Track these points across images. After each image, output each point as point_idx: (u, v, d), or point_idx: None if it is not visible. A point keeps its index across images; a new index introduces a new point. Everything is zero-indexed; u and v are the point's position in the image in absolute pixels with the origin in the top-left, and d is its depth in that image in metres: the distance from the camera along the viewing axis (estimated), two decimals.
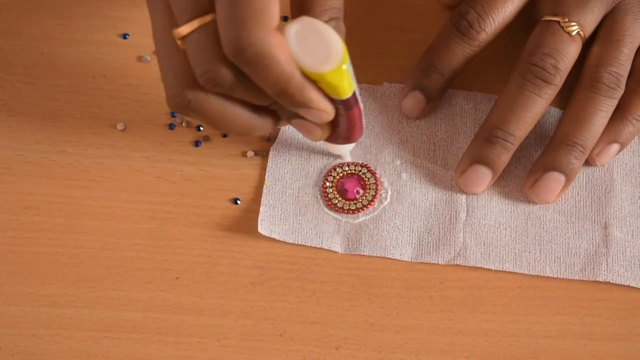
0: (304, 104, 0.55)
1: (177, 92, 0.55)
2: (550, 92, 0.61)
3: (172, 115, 0.66)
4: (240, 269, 0.62)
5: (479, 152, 0.62)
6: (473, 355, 0.60)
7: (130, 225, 0.63)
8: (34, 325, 0.60)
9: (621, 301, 0.61)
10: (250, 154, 0.65)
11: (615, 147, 0.63)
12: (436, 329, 0.60)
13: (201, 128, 0.66)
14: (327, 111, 0.57)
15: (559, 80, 0.61)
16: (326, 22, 0.55)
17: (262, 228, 0.62)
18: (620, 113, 0.62)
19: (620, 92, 0.61)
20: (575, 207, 0.63)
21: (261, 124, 0.58)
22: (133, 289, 0.61)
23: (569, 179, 0.62)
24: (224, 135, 0.65)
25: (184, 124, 0.66)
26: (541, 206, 0.63)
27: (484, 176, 0.62)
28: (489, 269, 0.62)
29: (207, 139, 0.65)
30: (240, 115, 0.57)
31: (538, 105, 0.61)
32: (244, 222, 0.63)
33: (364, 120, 0.59)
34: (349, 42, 0.68)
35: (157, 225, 0.63)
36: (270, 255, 0.62)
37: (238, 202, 0.63)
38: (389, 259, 0.62)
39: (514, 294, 0.61)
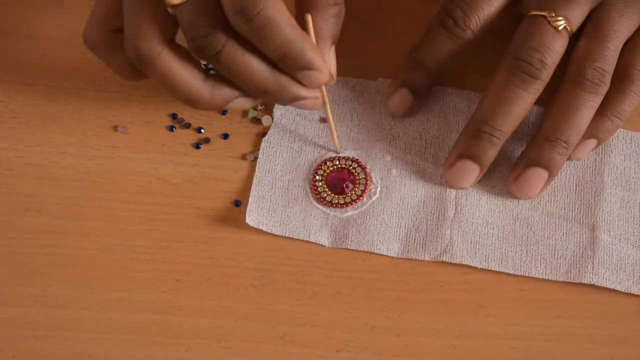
0: (305, 65, 0.57)
1: (133, 44, 0.57)
2: (537, 87, 0.61)
3: (173, 117, 0.66)
4: (242, 271, 0.62)
5: (466, 147, 0.62)
6: (474, 358, 0.60)
7: (131, 226, 0.63)
8: (34, 327, 0.60)
9: (623, 304, 0.61)
10: (250, 156, 0.65)
11: (592, 142, 0.63)
12: (437, 332, 0.60)
13: (202, 130, 0.66)
14: (324, 71, 0.58)
15: (546, 75, 0.61)
16: (332, 6, 0.59)
17: (250, 219, 0.62)
18: (601, 109, 0.62)
19: (605, 88, 0.61)
20: (564, 209, 0.63)
21: (209, 97, 0.59)
22: (134, 291, 0.61)
23: (551, 175, 0.62)
24: (224, 137, 0.65)
25: (185, 125, 0.66)
26: (530, 207, 0.63)
27: (471, 171, 0.62)
28: (489, 272, 0.62)
29: (207, 140, 0.65)
30: (187, 81, 0.59)
31: (525, 100, 0.61)
32: (245, 224, 0.63)
33: None
34: (348, 45, 0.68)
35: (158, 227, 0.63)
36: (271, 257, 0.62)
37: (239, 204, 0.63)
38: (390, 261, 0.62)
39: (516, 297, 0.61)
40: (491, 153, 0.62)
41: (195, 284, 0.61)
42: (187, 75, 0.58)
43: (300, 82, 0.59)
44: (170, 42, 0.58)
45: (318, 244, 0.62)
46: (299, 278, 0.62)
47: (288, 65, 0.57)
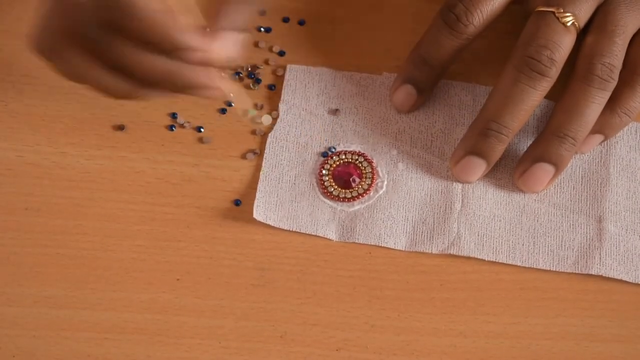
0: (178, 45, 0.56)
1: (36, 33, 0.58)
2: (545, 85, 0.61)
3: (173, 116, 0.66)
4: (241, 271, 0.62)
5: (473, 144, 0.62)
6: (474, 357, 0.60)
7: (131, 226, 0.63)
8: (34, 327, 0.60)
9: (622, 302, 0.61)
10: (250, 155, 0.65)
11: (599, 137, 0.63)
12: (437, 331, 0.60)
13: (202, 129, 0.66)
14: (202, 48, 0.57)
15: (555, 72, 0.61)
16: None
17: (258, 214, 0.62)
18: (610, 105, 0.62)
19: (613, 83, 0.61)
20: (571, 200, 0.63)
21: (114, 87, 0.59)
22: (134, 290, 0.61)
23: (558, 170, 0.62)
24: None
25: (185, 124, 0.66)
26: (536, 199, 0.63)
27: (478, 167, 0.63)
28: (489, 270, 0.62)
29: (207, 140, 0.65)
30: (93, 73, 0.58)
31: (533, 98, 0.61)
32: (245, 223, 0.63)
33: None
34: (349, 43, 0.68)
35: (158, 227, 0.63)
36: (271, 256, 0.62)
37: (239, 203, 0.63)
38: (390, 260, 0.62)
39: (515, 296, 0.61)
40: (498, 150, 0.62)
41: (195, 283, 0.61)
42: (91, 67, 0.58)
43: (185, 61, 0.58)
44: (75, 34, 0.58)
45: (319, 241, 0.62)
46: (299, 277, 0.62)
47: (160, 48, 0.56)
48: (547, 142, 0.62)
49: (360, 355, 0.60)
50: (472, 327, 0.60)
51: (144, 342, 0.60)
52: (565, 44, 0.61)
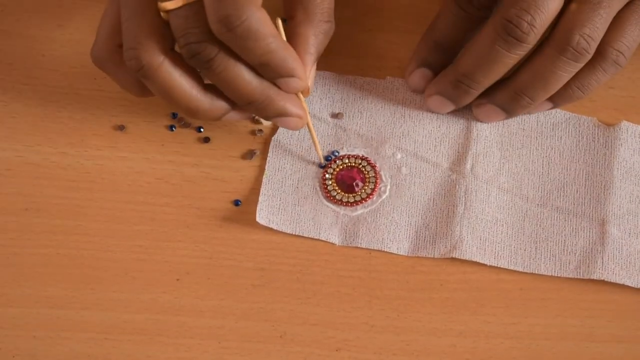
0: (286, 73, 0.58)
1: (133, 55, 0.57)
2: (522, 50, 0.60)
3: (173, 116, 0.66)
4: (241, 271, 0.62)
5: (444, 89, 0.64)
6: (474, 357, 0.60)
7: (131, 226, 0.63)
8: (34, 327, 0.60)
9: (622, 303, 0.61)
10: (250, 155, 0.65)
11: (548, 104, 0.64)
12: (437, 331, 0.60)
13: (202, 129, 0.66)
14: (304, 79, 0.60)
15: (533, 38, 0.59)
16: (323, 23, 0.61)
17: (260, 217, 0.62)
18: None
19: (588, 56, 0.59)
20: (574, 204, 0.63)
21: (208, 107, 0.60)
22: (134, 291, 0.61)
23: (508, 117, 0.64)
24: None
25: (185, 124, 0.66)
26: (539, 203, 0.63)
27: (447, 107, 0.65)
28: (489, 271, 0.62)
29: (207, 140, 0.65)
30: (189, 91, 0.59)
31: (508, 61, 0.60)
32: (245, 223, 0.63)
33: None
34: (350, 44, 0.68)
35: (158, 227, 0.63)
36: (271, 256, 0.62)
37: (239, 203, 0.63)
38: (390, 260, 0.62)
39: (515, 296, 0.61)
40: (467, 99, 0.64)
41: (195, 283, 0.61)
42: (188, 86, 0.59)
43: (279, 88, 0.60)
44: (170, 51, 0.58)
45: (319, 241, 0.62)
46: (299, 277, 0.62)
47: (269, 72, 0.58)
48: (508, 95, 0.63)
49: (360, 356, 0.60)
50: (472, 327, 0.60)
51: (144, 342, 0.60)
52: (550, 8, 0.58)
